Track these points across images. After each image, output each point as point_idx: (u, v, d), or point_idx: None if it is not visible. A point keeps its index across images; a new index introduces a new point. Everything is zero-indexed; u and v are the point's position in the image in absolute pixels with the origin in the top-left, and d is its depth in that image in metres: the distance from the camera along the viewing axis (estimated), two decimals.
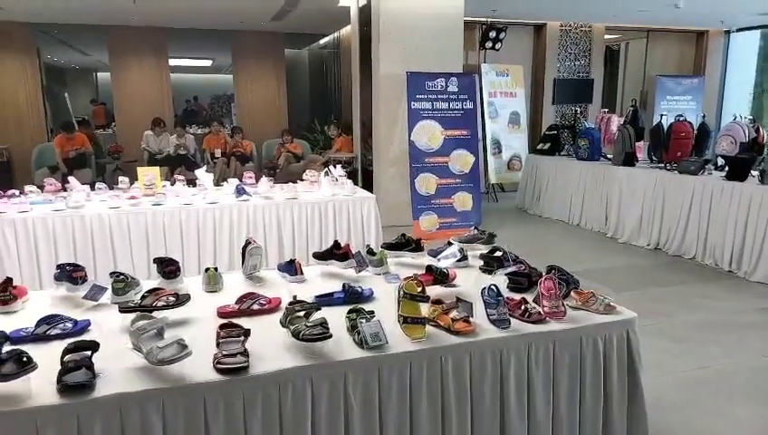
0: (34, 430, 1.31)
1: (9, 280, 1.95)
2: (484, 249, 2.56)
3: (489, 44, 7.69)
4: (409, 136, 5.61)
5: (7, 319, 1.82)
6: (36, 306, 1.93)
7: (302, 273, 2.28)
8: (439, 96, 5.71)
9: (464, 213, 5.78)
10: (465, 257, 2.45)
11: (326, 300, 1.96)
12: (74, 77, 15.65)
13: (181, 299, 1.82)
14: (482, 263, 2.41)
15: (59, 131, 8.12)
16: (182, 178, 4.45)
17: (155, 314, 1.67)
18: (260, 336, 1.66)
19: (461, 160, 5.76)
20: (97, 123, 12.09)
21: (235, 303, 1.91)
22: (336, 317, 1.75)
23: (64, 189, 4.05)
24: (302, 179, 4.54)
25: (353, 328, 1.71)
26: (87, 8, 7.75)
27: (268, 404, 1.52)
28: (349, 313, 1.79)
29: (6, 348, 1.42)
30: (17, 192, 3.90)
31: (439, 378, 1.69)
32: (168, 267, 2.07)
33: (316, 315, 1.70)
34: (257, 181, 4.36)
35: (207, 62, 14.36)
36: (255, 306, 1.90)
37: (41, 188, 4.06)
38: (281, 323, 1.71)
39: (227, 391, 1.48)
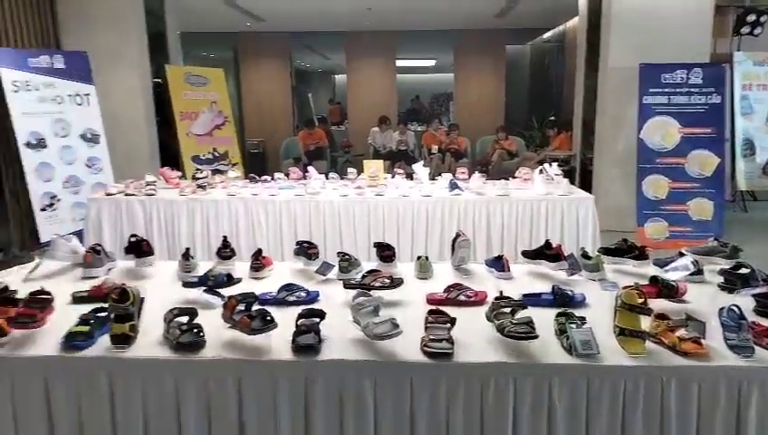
0: (272, 379, 1.53)
1: (260, 251, 2.31)
2: (725, 264, 2.23)
3: (746, 30, 6.60)
4: (639, 133, 5.12)
5: (257, 283, 2.16)
6: (279, 275, 2.25)
7: (509, 270, 2.25)
8: (678, 89, 5.10)
9: (701, 222, 5.09)
10: (699, 271, 2.16)
11: (533, 300, 1.91)
12: (317, 79, 17.71)
13: (395, 282, 1.95)
14: (721, 280, 2.10)
15: (302, 128, 9.28)
16: (401, 171, 4.73)
17: (372, 292, 1.82)
18: (465, 326, 1.69)
19: (701, 162, 5.08)
20: (333, 121, 13.48)
21: (443, 291, 1.98)
22: (542, 318, 1.70)
23: (305, 177, 4.62)
24: (514, 177, 4.48)
25: (561, 332, 1.64)
26: (329, 16, 8.68)
27: (470, 394, 1.55)
28: (558, 316, 1.72)
29: (255, 307, 1.69)
30: (269, 178, 4.58)
31: (659, 401, 1.53)
32: (386, 252, 2.24)
33: (522, 313, 1.67)
34: (470, 177, 4.43)
35: (431, 62, 14.97)
36: (462, 297, 1.94)
37: (287, 175, 4.69)
38: (486, 316, 1.72)
39: (432, 374, 1.54)
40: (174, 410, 1.55)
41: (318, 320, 1.62)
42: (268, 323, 1.58)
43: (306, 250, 2.28)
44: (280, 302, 1.90)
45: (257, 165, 9.40)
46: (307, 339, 1.56)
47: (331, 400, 1.54)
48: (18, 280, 2.17)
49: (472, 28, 9.90)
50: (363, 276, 1.98)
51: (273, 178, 4.55)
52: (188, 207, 4.14)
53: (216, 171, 5.29)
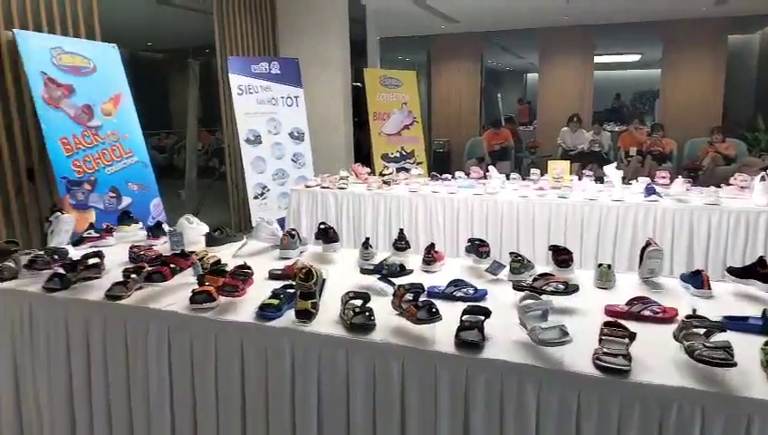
0: (433, 369, 1.56)
1: (432, 245, 2.36)
2: None
3: None
4: None
5: (427, 276, 2.21)
6: (449, 270, 2.27)
7: (709, 287, 1.98)
8: None
9: None
10: None
11: (737, 323, 1.65)
12: (507, 79, 17.41)
13: (570, 288, 1.84)
14: None
15: (488, 127, 9.21)
16: (590, 173, 4.44)
17: (543, 296, 1.74)
18: (646, 344, 1.53)
19: None
20: (521, 121, 13.15)
21: (625, 304, 1.81)
22: (745, 346, 1.46)
23: (485, 177, 4.60)
24: (728, 184, 3.91)
25: None
26: (524, 13, 8.47)
27: (646, 419, 1.40)
28: (766, 344, 1.47)
29: (422, 298, 1.74)
30: (450, 177, 4.64)
31: None
32: (562, 256, 2.12)
33: (719, 336, 1.45)
34: (671, 182, 3.98)
35: (635, 57, 13.75)
36: (647, 312, 1.75)
37: (467, 174, 4.71)
38: (674, 335, 1.53)
39: (604, 391, 1.43)
40: (344, 383, 1.67)
41: (483, 318, 1.61)
42: (433, 315, 1.61)
43: (477, 248, 2.27)
44: (447, 296, 1.92)
45: (441, 164, 9.59)
46: (470, 335, 1.55)
47: (491, 399, 1.52)
48: (229, 255, 2.52)
49: (685, 18, 8.84)
50: (535, 279, 1.91)
51: (453, 177, 4.60)
52: (374, 201, 4.39)
53: (401, 169, 5.53)
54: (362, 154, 7.54)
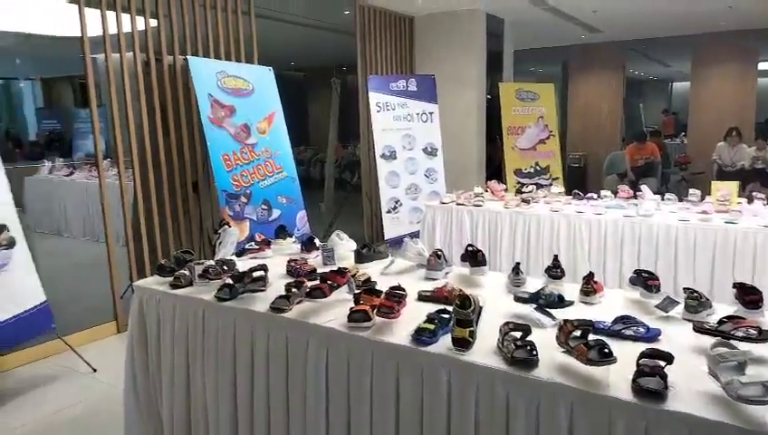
0: (607, 417, 1.45)
1: (591, 274, 2.22)
2: None
3: None
4: None
5: (587, 309, 2.08)
6: (611, 303, 2.12)
7: None
8: None
9: None
10: None
11: None
12: (649, 88, 16.23)
13: (764, 335, 1.62)
14: None
15: (631, 141, 8.61)
16: (762, 196, 3.96)
17: (733, 342, 1.55)
18: None
19: None
20: (666, 133, 12.17)
21: None
22: None
23: (635, 196, 4.28)
24: None
25: None
26: (676, 19, 7.83)
27: None
28: None
29: (592, 336, 1.63)
30: (594, 195, 4.38)
31: None
32: (749, 296, 1.88)
33: None
34: None
35: None
36: None
37: (614, 193, 4.42)
38: None
39: None
40: (503, 419, 1.61)
41: (664, 363, 1.46)
42: (606, 357, 1.50)
43: (645, 281, 2.09)
44: (615, 334, 1.79)
45: (577, 179, 9.13)
46: (651, 382, 1.42)
47: None
48: (376, 272, 2.57)
49: None
50: (721, 321, 1.71)
51: (598, 196, 4.35)
52: (511, 220, 4.27)
53: (537, 185, 5.34)
54: (492, 169, 7.41)
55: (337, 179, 9.07)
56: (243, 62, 4.85)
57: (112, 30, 3.99)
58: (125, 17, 4.08)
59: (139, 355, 2.52)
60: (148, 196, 4.27)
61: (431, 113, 6.22)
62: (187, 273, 2.45)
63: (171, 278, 2.45)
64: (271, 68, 4.85)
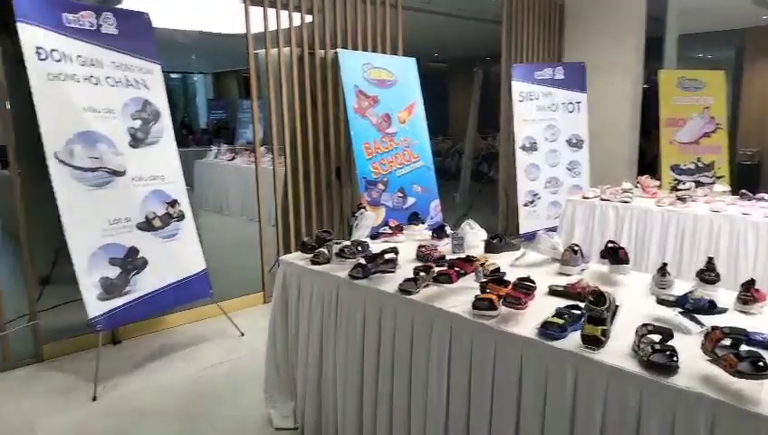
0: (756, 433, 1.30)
1: (752, 281, 1.98)
2: None
3: None
4: None
5: (744, 318, 1.86)
6: None
7: None
8: None
9: None
10: None
11: None
12: None
13: None
14: None
15: None
16: None
17: None
18: None
19: None
20: None
21: None
22: None
23: None
24: None
25: None
26: None
27: None
28: None
29: (744, 347, 1.46)
30: (766, 196, 3.87)
31: None
32: None
33: None
34: None
35: None
36: None
37: None
38: None
39: None
40: (633, 426, 1.51)
41: None
42: (760, 371, 1.34)
43: None
44: None
45: (748, 179, 8.10)
46: None
47: None
48: (506, 263, 2.53)
49: None
50: None
51: None
52: (663, 219, 3.94)
53: (698, 183, 4.84)
54: (644, 163, 6.84)
55: (474, 171, 8.98)
56: (388, 54, 4.99)
57: (273, 26, 4.34)
58: (284, 14, 4.40)
59: (280, 324, 2.74)
60: (297, 180, 4.60)
61: (578, 103, 5.90)
62: (325, 251, 2.61)
63: (312, 255, 2.62)
64: (414, 59, 4.94)
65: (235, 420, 2.87)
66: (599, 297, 1.71)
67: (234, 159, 8.84)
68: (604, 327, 1.65)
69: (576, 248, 2.46)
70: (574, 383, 1.64)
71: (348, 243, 2.67)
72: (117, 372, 3.38)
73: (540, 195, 5.90)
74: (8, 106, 3.38)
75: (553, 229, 4.44)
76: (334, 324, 2.46)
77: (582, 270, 2.44)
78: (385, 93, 4.59)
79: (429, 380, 2.05)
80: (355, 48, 4.79)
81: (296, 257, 2.72)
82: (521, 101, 5.73)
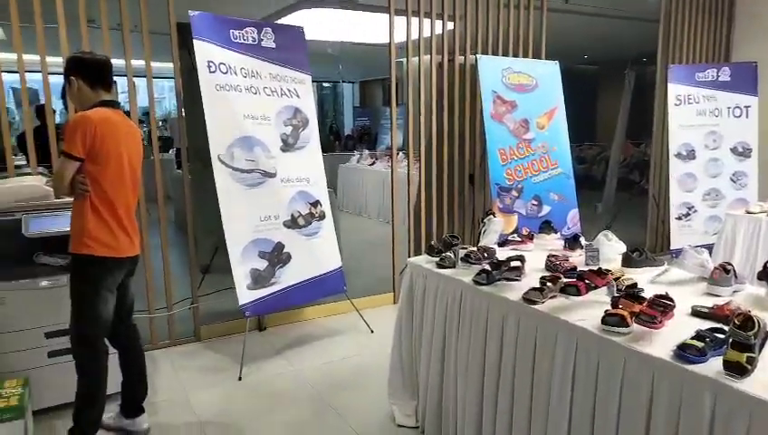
0: None
1: None
2: None
3: None
4: None
5: None
6: None
7: None
8: None
9: None
10: None
11: None
12: None
13: None
14: None
15: None
16: None
17: None
18: None
19: None
20: None
21: None
22: None
23: None
24: None
25: None
26: None
27: None
28: None
29: None
30: None
31: None
32: None
33: None
34: None
35: None
36: None
37: None
38: None
39: None
40: None
41: None
42: None
43: None
44: None
45: None
46: None
47: None
48: (646, 280, 2.36)
49: None
50: None
51: None
52: None
53: None
54: None
55: (621, 179, 8.40)
56: (529, 58, 4.89)
57: (415, 35, 4.47)
58: (426, 22, 4.52)
59: (406, 323, 2.83)
60: (430, 185, 4.69)
61: (747, 107, 5.27)
62: (451, 255, 2.65)
63: (438, 259, 2.67)
64: (557, 62, 4.78)
65: (360, 412, 3.01)
66: (747, 321, 1.54)
67: (374, 163, 9.20)
68: (751, 354, 1.49)
69: (728, 268, 2.22)
70: (711, 413, 1.50)
71: (474, 248, 2.68)
72: (260, 357, 3.71)
73: (696, 208, 5.36)
74: (183, 114, 3.89)
75: (709, 247, 4.03)
76: (457, 329, 2.48)
77: (734, 292, 2.20)
78: (524, 98, 4.51)
79: (551, 393, 1.99)
80: (495, 53, 4.76)
81: (423, 260, 2.79)
82: (677, 104, 5.26)
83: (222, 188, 3.50)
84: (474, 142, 4.81)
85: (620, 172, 8.57)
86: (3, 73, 3.19)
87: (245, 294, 3.56)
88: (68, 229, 2.50)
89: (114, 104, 2.50)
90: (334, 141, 14.47)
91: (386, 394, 2.96)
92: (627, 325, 1.81)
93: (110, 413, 2.77)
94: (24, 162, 3.62)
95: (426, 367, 2.69)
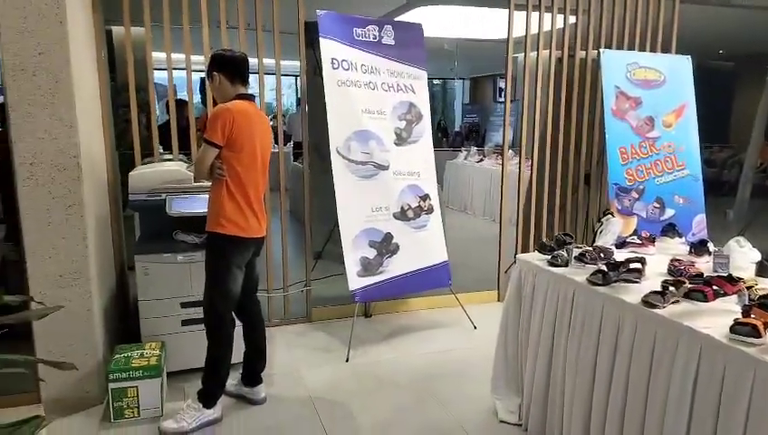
0: None
1: None
2: None
3: None
4: None
5: None
6: None
7: None
8: None
9: None
10: None
11: None
12: None
13: None
14: None
15: None
16: None
17: None
18: None
19: None
20: None
21: None
22: None
23: None
24: None
25: None
26: None
27: None
28: None
29: None
30: None
31: None
32: None
33: None
34: None
35: None
36: None
37: None
38: None
39: None
40: None
41: None
42: None
43: None
44: None
45: None
46: None
47: None
48: None
49: None
50: None
51: None
52: None
53: None
54: None
55: (757, 186, 7.62)
56: (658, 52, 4.61)
57: (534, 30, 4.39)
58: (546, 17, 4.41)
59: (512, 320, 2.81)
60: (542, 184, 4.58)
61: None
62: (564, 254, 2.59)
63: (549, 256, 2.63)
64: (689, 57, 4.46)
65: (460, 403, 3.04)
66: None
67: (482, 160, 9.11)
68: None
69: None
70: None
71: (589, 248, 2.61)
72: (366, 341, 3.85)
73: None
74: (306, 109, 4.12)
75: None
76: (567, 329, 2.43)
77: None
78: (650, 95, 4.26)
79: (668, 402, 1.90)
80: (620, 47, 4.54)
81: (534, 257, 2.76)
82: None
83: (338, 179, 3.67)
84: (591, 140, 4.63)
85: (756, 178, 7.77)
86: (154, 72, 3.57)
87: (355, 281, 3.72)
88: (204, 211, 2.77)
89: (250, 97, 2.73)
90: (442, 138, 14.48)
91: (488, 389, 2.96)
92: (759, 336, 1.69)
93: (233, 381, 3.03)
94: (161, 150, 4.02)
95: (532, 365, 2.66)
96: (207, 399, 2.78)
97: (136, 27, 3.48)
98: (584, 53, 4.53)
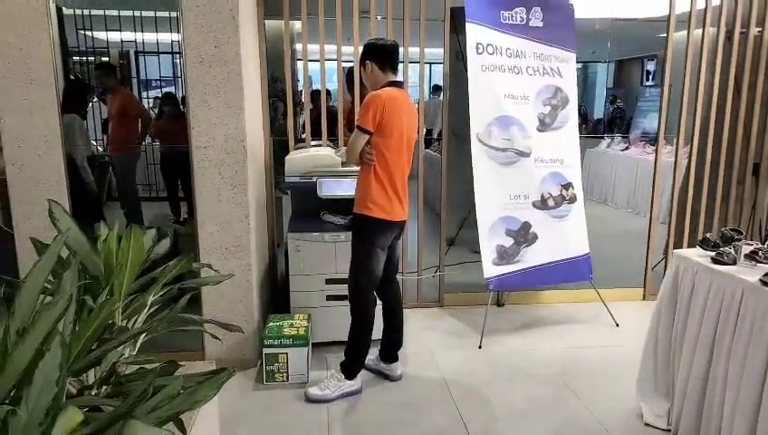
0: None
1: None
2: None
3: None
4: None
5: None
6: None
7: None
8: None
9: None
10: None
11: None
12: None
13: None
14: None
15: None
16: None
17: None
18: None
19: None
20: None
21: None
22: None
23: None
24: None
25: None
26: None
27: None
28: None
29: None
30: None
31: None
32: None
33: None
34: None
35: None
36: None
37: None
38: None
39: None
40: None
41: None
42: None
43: None
44: None
45: None
46: None
47: None
48: None
49: None
50: None
51: None
52: None
53: None
54: None
55: None
56: None
57: (700, 5, 3.99)
58: None
59: (665, 319, 2.63)
60: (701, 174, 4.19)
61: None
62: (731, 251, 2.37)
63: (713, 253, 2.42)
64: None
65: (601, 401, 2.92)
66: None
67: (627, 149, 8.51)
68: None
69: None
70: None
71: (762, 246, 2.35)
72: (498, 330, 3.82)
73: None
74: (447, 95, 4.14)
75: None
76: (732, 333, 2.22)
77: None
78: None
79: None
80: None
81: (694, 254, 2.55)
82: None
83: (477, 166, 3.65)
84: (763, 128, 4.12)
85: None
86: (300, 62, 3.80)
87: (490, 269, 3.69)
88: (350, 193, 2.92)
89: (399, 84, 2.81)
90: (582, 124, 13.72)
91: (632, 390, 2.81)
92: None
93: (372, 356, 3.18)
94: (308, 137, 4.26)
95: (686, 370, 2.47)
96: (349, 371, 2.95)
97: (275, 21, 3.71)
98: (760, 29, 4.04)
